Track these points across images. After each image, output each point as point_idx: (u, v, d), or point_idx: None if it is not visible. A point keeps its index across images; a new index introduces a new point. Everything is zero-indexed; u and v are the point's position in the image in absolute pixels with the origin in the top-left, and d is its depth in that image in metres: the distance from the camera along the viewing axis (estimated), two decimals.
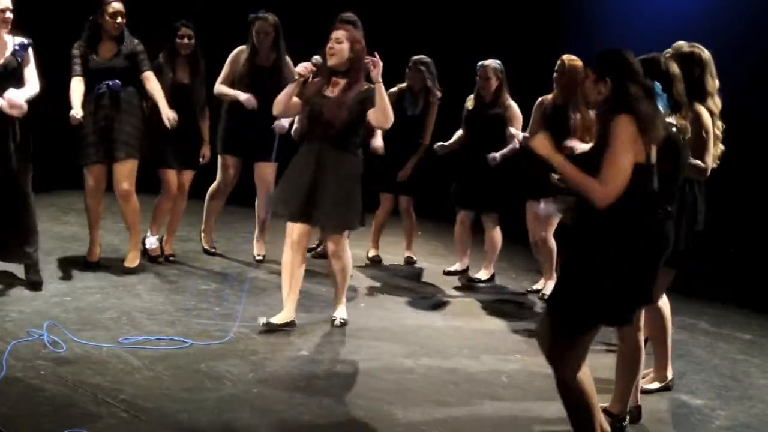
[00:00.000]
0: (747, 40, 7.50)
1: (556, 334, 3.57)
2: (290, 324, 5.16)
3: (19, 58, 5.24)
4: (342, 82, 5.05)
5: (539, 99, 6.33)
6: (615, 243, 3.44)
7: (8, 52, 5.23)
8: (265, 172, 6.57)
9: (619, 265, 3.44)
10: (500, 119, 6.54)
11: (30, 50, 5.30)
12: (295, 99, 5.08)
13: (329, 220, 5.11)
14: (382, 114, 4.96)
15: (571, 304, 3.50)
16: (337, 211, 5.06)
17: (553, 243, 6.37)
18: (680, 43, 4.31)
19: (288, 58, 6.40)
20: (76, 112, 5.58)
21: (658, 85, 3.53)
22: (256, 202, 6.74)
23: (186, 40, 6.20)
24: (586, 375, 3.61)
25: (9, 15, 5.22)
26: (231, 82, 6.41)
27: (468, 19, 9.39)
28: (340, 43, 5.01)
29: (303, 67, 4.99)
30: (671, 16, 7.79)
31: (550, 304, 3.71)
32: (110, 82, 5.76)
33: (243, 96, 6.25)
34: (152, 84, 5.91)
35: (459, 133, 6.79)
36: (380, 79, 4.86)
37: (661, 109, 3.53)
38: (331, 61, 5.01)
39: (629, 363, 4.13)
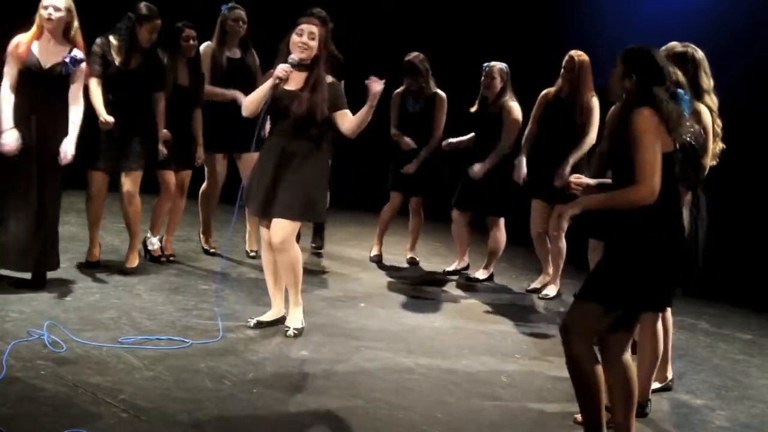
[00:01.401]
0: (747, 39, 7.50)
1: (614, 324, 3.60)
2: (280, 321, 5.16)
3: (65, 70, 5.23)
4: (301, 75, 4.94)
5: (543, 92, 6.33)
6: (655, 228, 3.48)
7: (57, 59, 5.23)
8: (250, 163, 6.57)
9: (660, 249, 3.48)
10: (497, 119, 6.54)
11: (83, 66, 5.31)
12: None
13: (279, 208, 4.92)
14: (357, 127, 4.92)
15: (622, 294, 3.53)
16: (289, 201, 4.90)
17: (563, 244, 6.37)
18: (673, 43, 4.32)
19: (253, 50, 6.50)
20: (106, 117, 5.59)
21: (681, 92, 3.55)
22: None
23: (191, 42, 6.20)
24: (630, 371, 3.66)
25: (51, 12, 5.18)
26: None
27: (465, 18, 9.39)
28: (313, 39, 4.93)
29: (283, 71, 4.86)
30: (671, 15, 7.79)
31: (600, 297, 3.62)
32: (125, 94, 5.77)
33: (230, 93, 6.31)
34: (159, 105, 5.97)
35: (472, 134, 6.80)
36: (375, 103, 4.81)
37: (685, 111, 3.54)
38: (303, 55, 4.91)
39: (647, 353, 4.18)
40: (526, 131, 6.42)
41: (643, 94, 3.48)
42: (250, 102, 4.98)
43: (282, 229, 4.93)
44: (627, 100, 3.56)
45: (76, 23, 5.30)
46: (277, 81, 4.87)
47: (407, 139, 6.86)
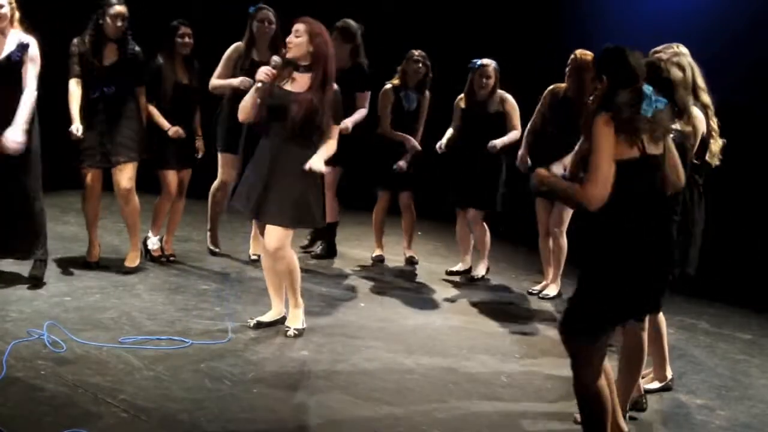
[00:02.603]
0: (747, 39, 7.50)
1: (578, 333, 3.57)
2: (280, 321, 5.16)
3: (13, 57, 5.19)
4: (305, 77, 4.90)
5: (552, 86, 6.33)
6: (625, 236, 3.46)
7: (4, 53, 5.19)
8: None
9: (630, 256, 3.45)
10: (500, 115, 6.56)
11: (30, 50, 5.22)
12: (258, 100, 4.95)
13: (273, 215, 4.89)
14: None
15: (593, 302, 3.50)
16: (283, 207, 4.86)
17: (564, 242, 6.36)
18: (658, 53, 4.28)
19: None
20: (77, 127, 5.60)
21: (649, 88, 3.50)
22: None
23: (186, 39, 6.20)
24: (605, 378, 3.61)
25: (2, 11, 5.17)
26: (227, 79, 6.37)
27: (465, 18, 9.39)
28: (299, 37, 4.86)
29: (264, 74, 4.84)
30: (671, 15, 7.79)
31: (572, 305, 3.64)
32: (105, 89, 5.75)
33: (236, 81, 6.16)
34: (141, 100, 5.97)
35: (450, 131, 6.79)
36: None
37: (647, 112, 3.44)
38: (290, 54, 4.88)
39: (632, 362, 4.14)
40: (529, 124, 6.42)
41: (608, 96, 3.45)
42: (242, 108, 4.94)
43: (275, 236, 4.90)
44: (595, 102, 3.52)
45: (17, 12, 5.28)
46: (259, 84, 4.85)
47: (410, 138, 6.86)
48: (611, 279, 3.48)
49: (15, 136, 5.10)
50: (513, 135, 6.58)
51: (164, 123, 6.10)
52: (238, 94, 6.26)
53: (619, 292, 3.48)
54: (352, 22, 6.61)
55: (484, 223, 6.78)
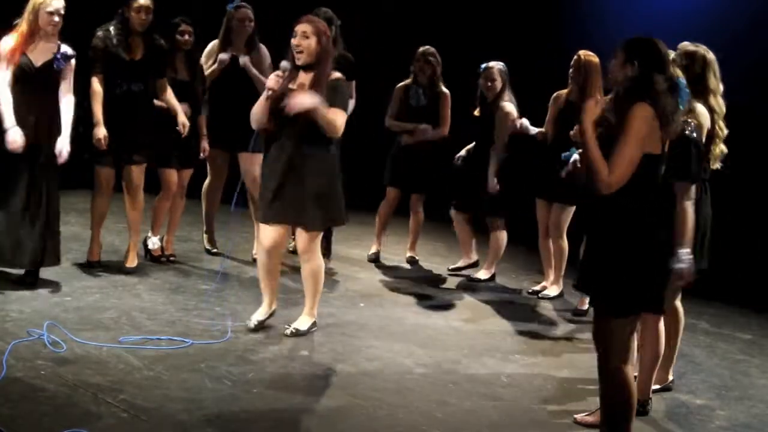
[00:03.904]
0: (747, 39, 7.49)
1: (598, 318, 3.61)
2: (272, 315, 5.14)
3: (56, 66, 5.26)
4: (308, 75, 4.84)
5: (555, 94, 6.29)
6: (631, 229, 3.47)
7: (48, 57, 5.25)
8: (248, 162, 6.57)
9: (636, 250, 3.46)
10: (493, 119, 6.53)
11: (72, 62, 5.34)
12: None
13: (300, 218, 4.89)
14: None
15: (601, 290, 3.55)
16: (309, 209, 4.85)
17: (565, 244, 6.34)
18: (685, 43, 4.34)
19: (263, 47, 6.48)
20: (102, 132, 5.62)
21: (682, 81, 3.52)
22: (248, 197, 6.70)
23: (187, 37, 6.21)
24: (630, 373, 3.64)
25: (57, 19, 5.22)
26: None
27: (465, 18, 9.39)
28: (307, 38, 4.77)
29: (274, 81, 4.83)
30: (671, 15, 7.79)
31: (591, 291, 3.69)
32: (133, 86, 5.77)
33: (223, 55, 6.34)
34: (167, 92, 5.98)
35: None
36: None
37: (680, 105, 3.51)
38: (301, 61, 4.80)
39: (648, 352, 4.19)
40: (538, 132, 6.35)
41: (644, 81, 3.45)
42: (253, 115, 4.93)
43: (304, 239, 4.94)
44: (627, 87, 3.52)
45: None
46: (269, 92, 4.83)
47: (409, 125, 6.85)
48: (618, 254, 3.49)
49: (65, 146, 5.37)
50: (494, 161, 6.46)
51: (183, 118, 6.06)
52: (219, 88, 6.36)
53: (625, 268, 3.48)
54: (327, 11, 6.58)
55: (504, 231, 6.73)
